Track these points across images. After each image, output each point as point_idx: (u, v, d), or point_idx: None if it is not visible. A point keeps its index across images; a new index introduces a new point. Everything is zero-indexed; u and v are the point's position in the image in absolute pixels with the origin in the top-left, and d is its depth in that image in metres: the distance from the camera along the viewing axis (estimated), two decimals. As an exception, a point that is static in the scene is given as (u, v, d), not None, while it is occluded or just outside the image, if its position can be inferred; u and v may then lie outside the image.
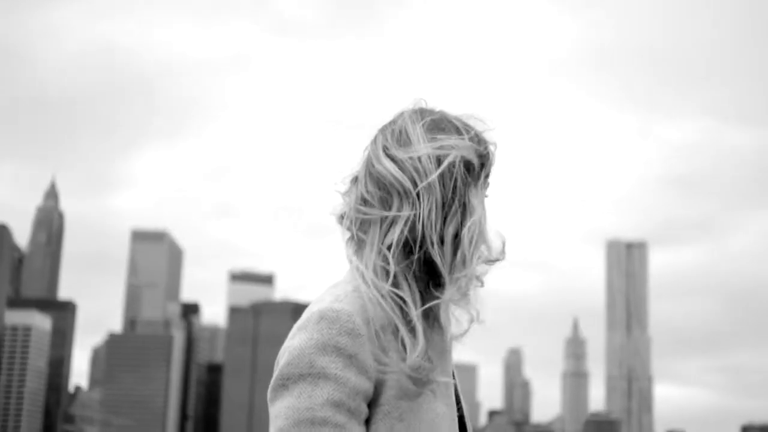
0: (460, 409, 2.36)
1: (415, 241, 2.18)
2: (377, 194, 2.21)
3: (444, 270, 2.19)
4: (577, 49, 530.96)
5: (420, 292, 2.22)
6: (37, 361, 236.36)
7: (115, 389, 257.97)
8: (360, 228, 2.24)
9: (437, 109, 2.31)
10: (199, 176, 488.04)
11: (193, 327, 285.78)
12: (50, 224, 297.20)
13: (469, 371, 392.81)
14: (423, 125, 2.24)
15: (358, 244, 2.25)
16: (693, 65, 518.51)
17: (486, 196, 2.31)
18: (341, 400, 2.08)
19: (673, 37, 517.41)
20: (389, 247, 2.18)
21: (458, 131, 2.25)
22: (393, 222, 2.18)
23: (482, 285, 2.27)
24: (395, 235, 2.17)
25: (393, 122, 2.28)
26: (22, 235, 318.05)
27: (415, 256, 2.19)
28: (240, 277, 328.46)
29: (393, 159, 2.21)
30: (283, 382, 2.12)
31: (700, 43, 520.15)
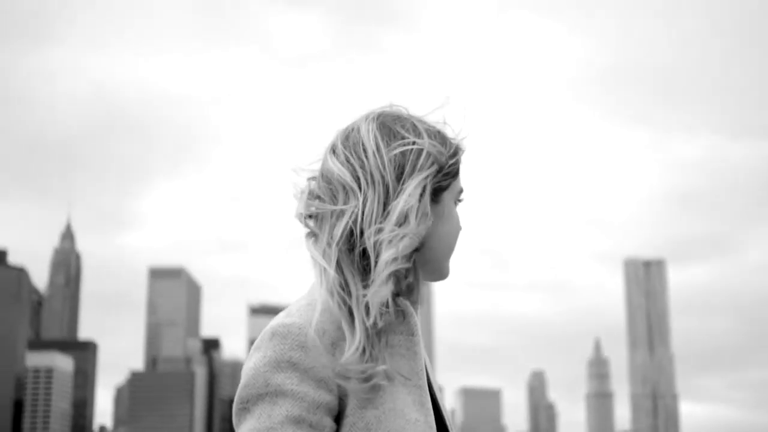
0: (440, 415, 2.26)
1: (360, 234, 2.12)
2: (326, 188, 2.17)
3: (373, 264, 2.11)
4: (584, 69, 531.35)
5: (366, 286, 2.11)
6: (61, 402, 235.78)
7: (139, 428, 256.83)
8: (316, 224, 2.19)
9: (404, 113, 2.25)
10: (211, 210, 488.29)
11: (215, 362, 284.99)
12: (68, 265, 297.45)
13: (492, 396, 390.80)
14: (377, 123, 2.21)
15: (315, 240, 2.19)
16: (700, 82, 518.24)
17: (459, 201, 2.27)
18: (300, 415, 2.02)
19: (679, 55, 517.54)
20: (338, 242, 2.13)
21: (417, 132, 2.20)
22: (340, 215, 2.14)
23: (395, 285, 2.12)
24: (339, 228, 2.12)
25: (351, 122, 2.25)
26: (40, 278, 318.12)
27: (357, 250, 2.12)
28: (259, 310, 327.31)
29: (338, 155, 2.18)
30: (244, 405, 2.06)
31: (706, 60, 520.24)
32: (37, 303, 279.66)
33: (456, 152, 2.23)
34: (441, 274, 2.25)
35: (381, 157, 2.14)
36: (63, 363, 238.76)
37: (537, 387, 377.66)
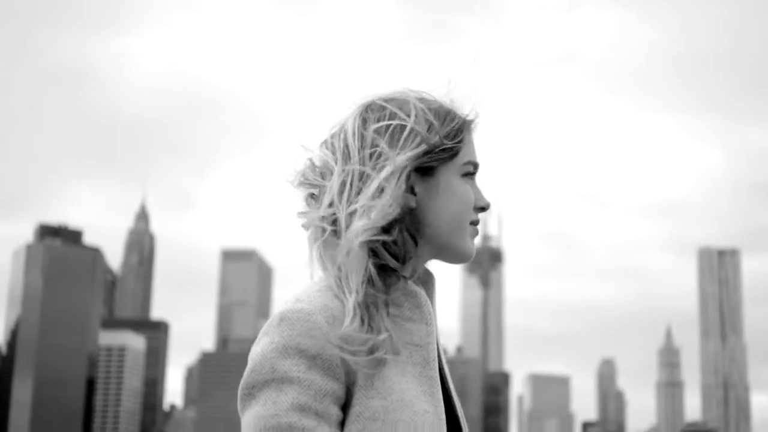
0: (452, 406, 2.17)
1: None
2: (314, 173, 2.18)
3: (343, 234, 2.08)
4: (654, 57, 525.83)
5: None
6: (132, 380, 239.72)
7: (209, 407, 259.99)
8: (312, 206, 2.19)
9: (401, 95, 2.19)
10: (285, 191, 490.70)
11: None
12: (141, 246, 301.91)
13: (561, 383, 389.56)
14: (363, 107, 2.18)
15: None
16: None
17: (471, 173, 2.18)
18: (307, 403, 1.94)
19: (751, 41, 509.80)
20: (322, 220, 2.14)
21: (404, 110, 2.14)
22: (324, 194, 2.14)
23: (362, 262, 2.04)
24: (323, 207, 2.11)
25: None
26: (114, 258, 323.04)
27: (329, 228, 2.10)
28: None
29: (325, 142, 2.19)
30: (249, 390, 2.00)
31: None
32: (111, 282, 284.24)
33: (459, 130, 2.16)
34: (455, 253, 2.18)
35: (357, 135, 2.12)
36: (135, 342, 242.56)
37: (607, 375, 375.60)
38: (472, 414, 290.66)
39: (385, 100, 2.16)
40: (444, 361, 2.22)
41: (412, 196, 2.09)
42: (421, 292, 2.13)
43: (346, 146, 2.12)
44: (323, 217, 2.10)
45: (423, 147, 2.09)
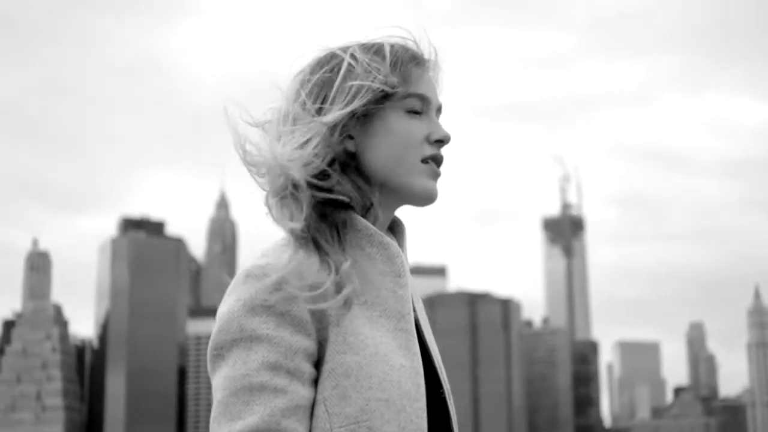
0: (431, 360, 2.09)
1: None
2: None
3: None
4: (728, 11, 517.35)
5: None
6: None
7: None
8: None
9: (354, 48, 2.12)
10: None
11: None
12: (223, 234, 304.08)
13: (651, 349, 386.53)
14: (301, 68, 2.16)
15: None
16: None
17: (411, 111, 2.09)
18: (278, 361, 1.88)
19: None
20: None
21: (338, 61, 2.09)
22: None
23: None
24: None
25: None
26: (197, 247, 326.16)
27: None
28: (413, 271, 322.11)
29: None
30: (218, 351, 1.93)
31: None
32: (196, 272, 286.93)
33: (396, 65, 2.08)
34: (409, 193, 2.10)
35: (291, 97, 2.10)
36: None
37: (696, 338, 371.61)
38: (563, 384, 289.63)
39: (320, 60, 2.11)
40: (421, 313, 2.17)
41: (350, 140, 2.05)
42: (394, 243, 2.06)
43: (288, 103, 2.07)
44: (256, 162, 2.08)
45: (348, 108, 2.03)
